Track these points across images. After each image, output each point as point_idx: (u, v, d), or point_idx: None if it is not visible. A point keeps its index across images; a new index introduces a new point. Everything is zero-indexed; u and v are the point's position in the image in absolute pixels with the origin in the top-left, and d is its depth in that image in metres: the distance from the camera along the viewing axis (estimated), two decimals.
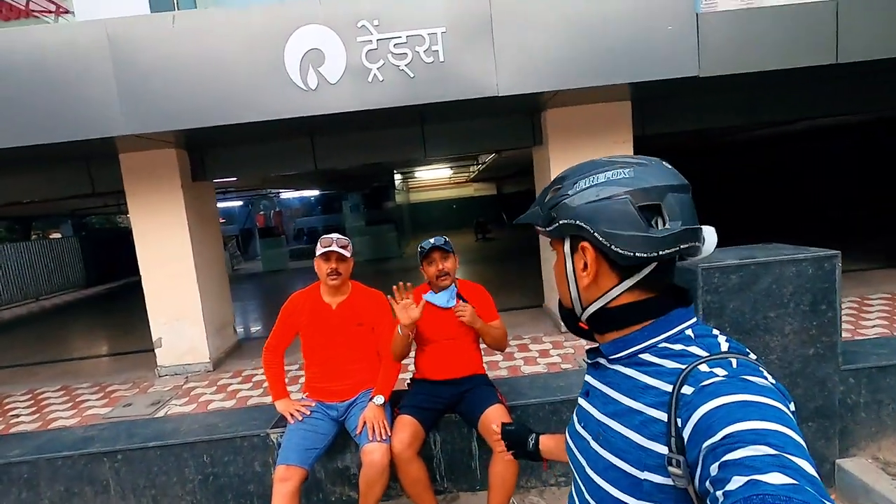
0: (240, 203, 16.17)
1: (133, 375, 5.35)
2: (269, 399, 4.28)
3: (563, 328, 5.31)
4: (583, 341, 4.96)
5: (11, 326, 9.85)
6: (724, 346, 0.69)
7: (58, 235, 16.89)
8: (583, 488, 0.77)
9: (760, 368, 0.64)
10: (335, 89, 3.78)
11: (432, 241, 2.20)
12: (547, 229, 0.77)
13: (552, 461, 1.13)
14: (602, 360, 0.79)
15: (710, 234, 0.72)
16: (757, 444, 0.52)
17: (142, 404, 4.45)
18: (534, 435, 1.12)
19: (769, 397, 0.58)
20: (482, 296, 2.32)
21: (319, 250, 2.12)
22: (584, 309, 0.77)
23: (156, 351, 5.20)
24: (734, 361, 0.64)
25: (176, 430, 2.40)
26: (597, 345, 0.80)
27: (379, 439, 1.95)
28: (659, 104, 5.41)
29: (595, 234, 0.70)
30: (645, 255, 0.68)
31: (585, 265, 0.74)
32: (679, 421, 0.62)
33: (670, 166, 0.73)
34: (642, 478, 0.66)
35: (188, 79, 3.77)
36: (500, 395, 2.22)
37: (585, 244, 0.73)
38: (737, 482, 0.50)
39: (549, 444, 1.10)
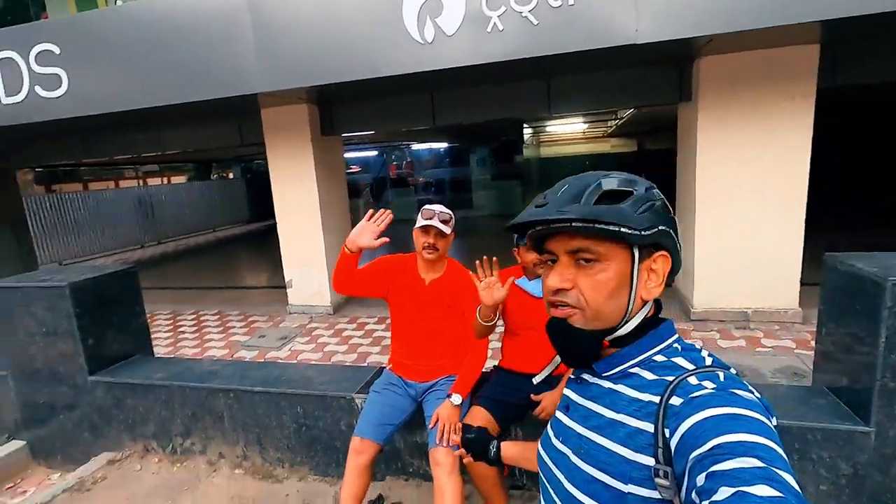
0: (375, 153, 17.07)
1: (270, 309, 6.07)
2: (375, 349, 4.51)
3: (689, 316, 4.74)
4: (716, 333, 4.35)
5: (193, 252, 11.88)
6: (709, 361, 0.70)
7: (231, 176, 19.68)
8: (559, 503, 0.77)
9: (745, 382, 0.65)
10: (452, 41, 3.55)
11: None
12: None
13: (513, 467, 1.14)
14: (585, 375, 0.78)
15: None
16: (745, 457, 0.53)
17: (273, 337, 5.03)
18: (495, 442, 1.12)
19: (756, 411, 0.59)
20: None
21: (420, 221, 1.99)
22: (624, 323, 0.73)
23: (287, 290, 5.80)
24: (721, 375, 0.65)
25: (279, 378, 2.60)
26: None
27: (446, 444, 1.85)
28: (858, 46, 4.18)
29: (677, 242, 0.73)
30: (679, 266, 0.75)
31: (647, 276, 0.73)
32: (667, 431, 0.63)
33: None
34: (626, 491, 0.65)
35: (313, 36, 3.84)
36: None
37: (665, 254, 0.73)
38: (724, 493, 0.50)
39: (511, 450, 1.10)
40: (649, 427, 0.65)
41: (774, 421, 0.61)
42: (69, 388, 2.79)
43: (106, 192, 12.62)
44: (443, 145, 15.68)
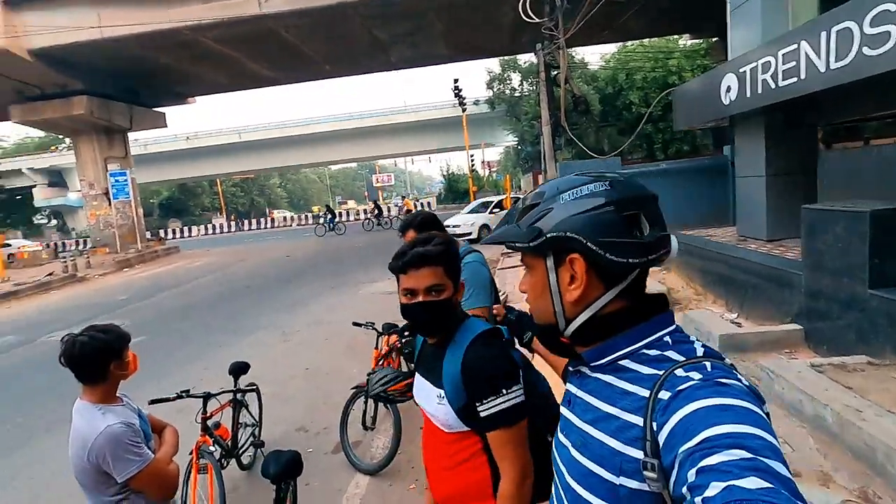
0: None
1: None
2: None
3: None
4: None
5: None
6: (700, 352, 0.69)
7: None
8: (563, 497, 0.78)
9: (734, 371, 0.65)
10: None
11: None
12: (531, 245, 0.75)
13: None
14: (584, 369, 0.80)
15: (674, 240, 0.74)
16: (733, 449, 0.52)
17: None
18: (528, 334, 1.30)
19: (744, 400, 0.59)
20: None
21: None
22: (568, 323, 0.77)
23: None
24: (709, 365, 0.65)
25: None
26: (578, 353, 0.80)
27: None
28: None
29: (588, 244, 0.71)
30: (637, 261, 0.71)
31: (572, 278, 0.74)
32: (655, 425, 0.64)
33: (638, 181, 0.75)
34: (618, 483, 0.67)
35: None
36: None
37: (576, 256, 0.73)
38: (715, 488, 0.50)
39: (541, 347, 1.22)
40: (639, 421, 0.66)
41: (766, 408, 0.60)
42: (848, 295, 3.50)
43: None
44: None
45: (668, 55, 22.78)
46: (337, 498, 3.20)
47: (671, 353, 0.70)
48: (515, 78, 27.67)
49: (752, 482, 0.49)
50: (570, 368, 0.84)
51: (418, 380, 1.37)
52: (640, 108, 18.28)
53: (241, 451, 3.41)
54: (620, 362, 0.74)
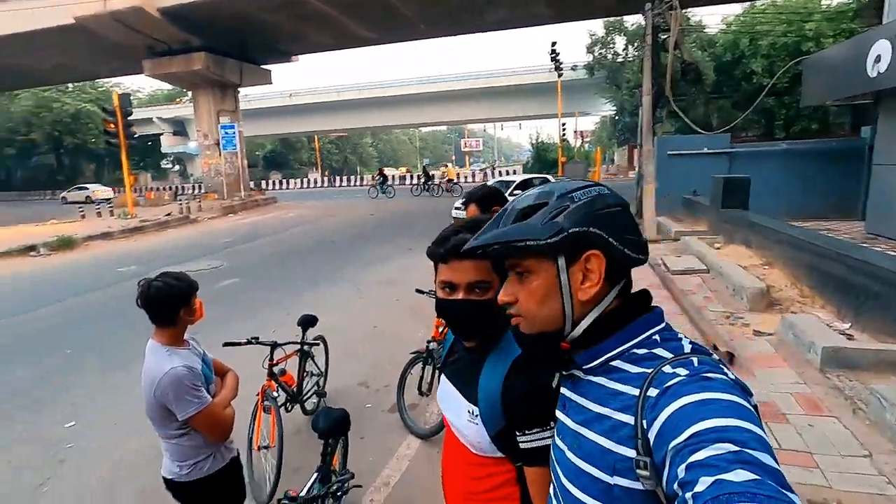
0: None
1: None
2: None
3: None
4: None
5: None
6: (688, 348, 0.71)
7: None
8: (560, 499, 0.78)
9: (721, 366, 0.66)
10: None
11: None
12: (549, 242, 0.71)
13: None
14: (577, 372, 0.79)
15: None
16: (719, 443, 0.53)
17: None
18: None
19: (730, 393, 0.59)
20: None
21: None
22: (575, 325, 0.75)
23: None
24: (695, 360, 0.66)
25: None
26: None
27: None
28: None
29: (610, 239, 0.72)
30: (643, 258, 0.75)
31: (584, 277, 0.73)
32: (644, 423, 0.64)
33: None
34: (612, 483, 0.67)
35: None
36: None
37: (595, 252, 0.72)
38: (704, 483, 0.50)
39: None
40: (630, 419, 0.67)
41: (753, 400, 0.62)
42: None
43: None
44: None
45: (806, 17, 19.69)
46: (387, 456, 3.31)
47: (659, 351, 0.71)
48: (620, 42, 25.64)
49: (739, 475, 0.49)
50: (564, 373, 0.84)
51: (445, 384, 1.15)
52: (763, 78, 16.10)
53: (305, 398, 3.64)
54: (611, 363, 0.75)
